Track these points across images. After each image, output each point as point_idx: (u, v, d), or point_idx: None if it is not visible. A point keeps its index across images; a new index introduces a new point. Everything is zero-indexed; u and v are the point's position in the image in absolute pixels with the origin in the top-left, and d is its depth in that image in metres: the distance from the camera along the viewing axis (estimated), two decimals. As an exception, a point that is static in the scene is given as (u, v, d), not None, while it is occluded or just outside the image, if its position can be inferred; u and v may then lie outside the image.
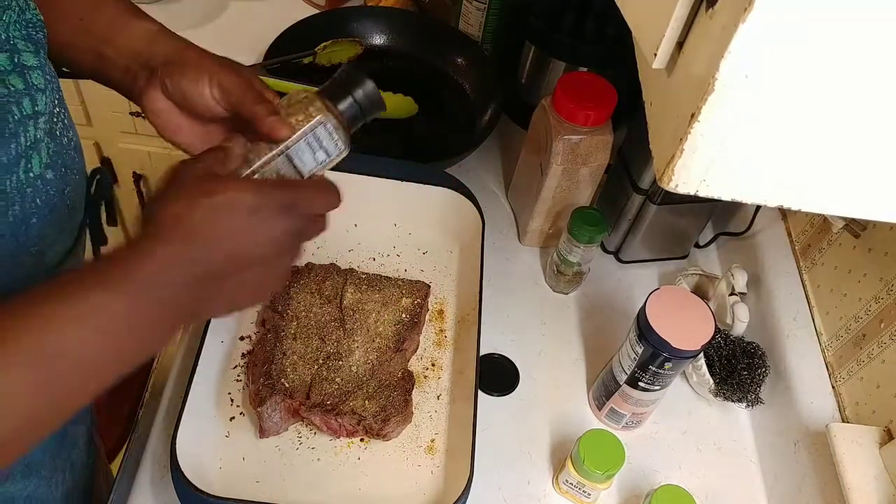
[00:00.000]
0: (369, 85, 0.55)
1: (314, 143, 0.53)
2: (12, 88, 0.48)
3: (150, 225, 0.44)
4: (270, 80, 0.94)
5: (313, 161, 0.54)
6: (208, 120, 0.56)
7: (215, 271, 0.45)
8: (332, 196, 0.51)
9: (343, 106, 0.54)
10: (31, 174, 0.51)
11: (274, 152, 0.52)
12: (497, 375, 0.82)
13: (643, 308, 0.70)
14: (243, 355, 0.78)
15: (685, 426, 0.83)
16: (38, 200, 0.52)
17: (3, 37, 0.48)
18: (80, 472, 0.72)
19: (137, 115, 1.19)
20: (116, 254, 0.43)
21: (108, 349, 0.42)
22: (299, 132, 0.52)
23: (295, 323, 0.77)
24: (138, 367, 0.45)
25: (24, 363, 0.39)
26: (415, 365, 0.80)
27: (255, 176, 0.52)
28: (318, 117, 0.52)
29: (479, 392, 0.72)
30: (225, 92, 0.53)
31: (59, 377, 0.40)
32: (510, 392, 0.81)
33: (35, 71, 0.51)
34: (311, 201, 0.49)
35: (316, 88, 0.55)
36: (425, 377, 0.79)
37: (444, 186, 0.88)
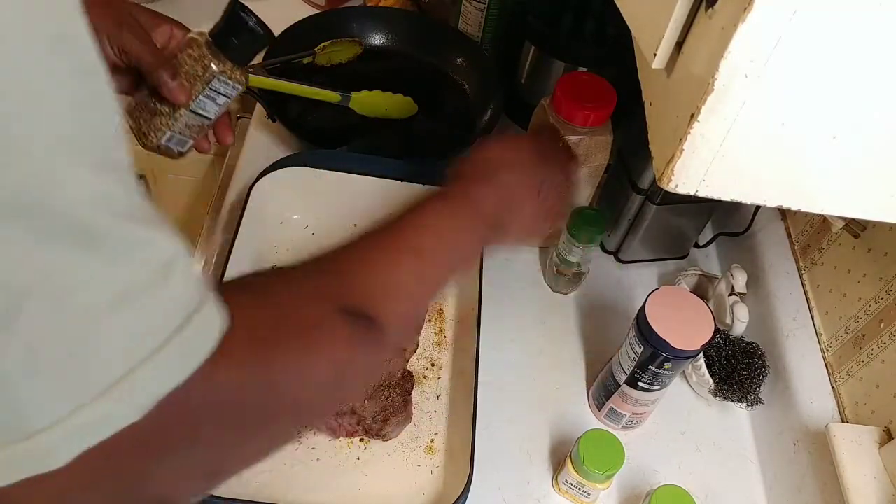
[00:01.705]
0: (252, 20, 0.62)
1: (213, 93, 0.63)
2: None
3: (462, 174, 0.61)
4: (270, 81, 0.94)
5: (216, 106, 0.64)
6: (113, 70, 0.60)
7: (508, 195, 0.61)
8: (574, 161, 0.72)
9: (233, 51, 0.62)
10: None
11: (180, 111, 0.62)
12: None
13: (643, 308, 0.70)
14: (243, 355, 0.78)
15: (685, 426, 0.83)
16: None
17: None
18: None
19: (137, 115, 1.19)
20: (445, 191, 0.60)
21: (455, 244, 0.57)
22: (198, 91, 0.61)
23: (294, 323, 0.77)
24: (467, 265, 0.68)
25: (411, 260, 0.52)
26: (414, 365, 0.80)
27: (168, 133, 0.63)
28: (211, 69, 0.61)
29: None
30: (125, 52, 0.59)
31: (432, 267, 0.54)
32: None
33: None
34: (572, 168, 0.71)
35: (206, 35, 0.63)
36: (425, 377, 0.79)
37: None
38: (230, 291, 0.37)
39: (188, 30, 0.64)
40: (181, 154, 0.68)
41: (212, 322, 0.33)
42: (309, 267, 0.47)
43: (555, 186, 0.66)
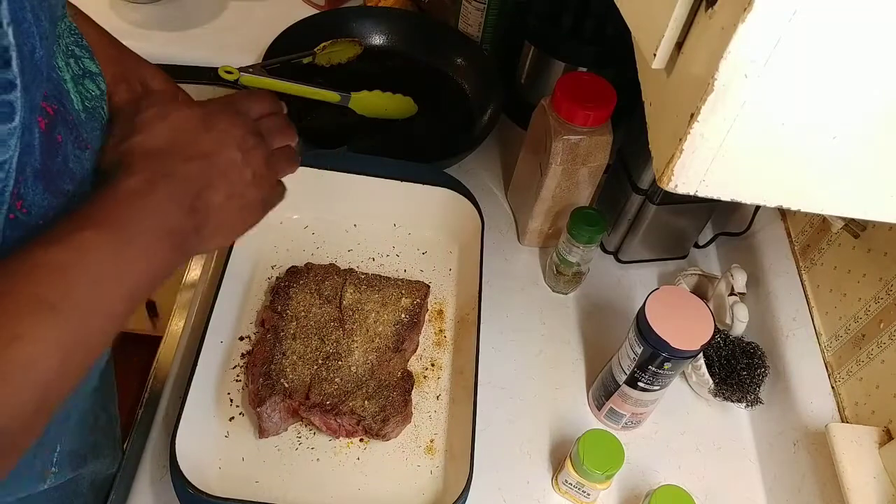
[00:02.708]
0: None
1: None
2: (93, 93, 0.50)
3: (120, 164, 0.46)
4: (270, 81, 0.94)
5: None
6: None
7: (192, 182, 0.47)
8: (265, 99, 0.57)
9: None
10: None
11: None
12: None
13: (642, 308, 0.70)
14: (243, 355, 0.78)
15: (684, 426, 0.83)
16: None
17: (62, 46, 0.48)
18: None
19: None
20: (95, 197, 0.44)
21: (110, 288, 0.41)
22: None
23: (294, 323, 0.77)
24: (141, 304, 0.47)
25: (35, 323, 0.37)
26: (414, 365, 0.80)
27: None
28: None
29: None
30: None
31: (76, 327, 0.39)
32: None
33: (99, 77, 0.52)
34: (246, 102, 0.55)
35: None
36: (425, 377, 0.79)
37: (443, 186, 0.88)
38: None
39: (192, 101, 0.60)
40: None
41: None
42: None
43: (255, 147, 0.52)
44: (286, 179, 0.59)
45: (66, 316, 0.38)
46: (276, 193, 0.56)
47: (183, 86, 1.07)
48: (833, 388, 0.78)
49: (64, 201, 0.45)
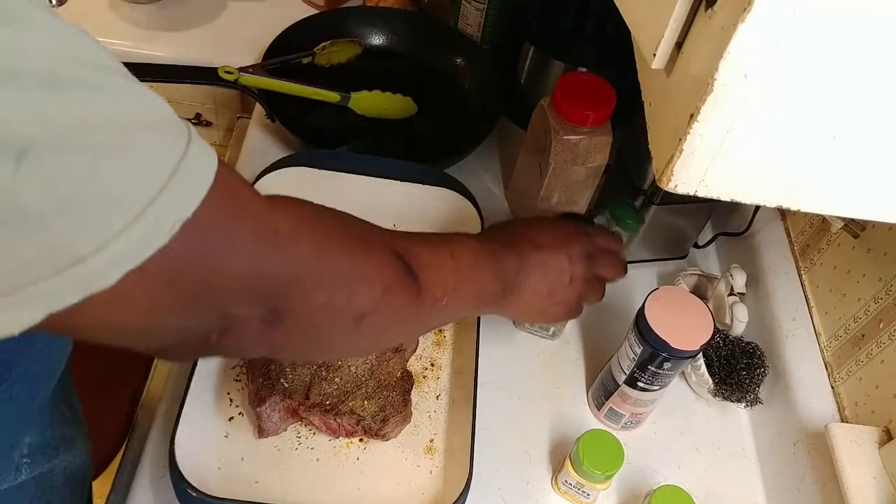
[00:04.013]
0: None
1: None
2: None
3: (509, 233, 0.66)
4: (270, 81, 0.94)
5: None
6: None
7: (533, 273, 0.63)
8: (613, 239, 0.72)
9: None
10: None
11: None
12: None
13: (642, 308, 0.70)
14: (242, 355, 0.78)
15: (684, 426, 0.83)
16: None
17: None
18: None
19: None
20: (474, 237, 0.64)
21: (473, 278, 0.59)
22: None
23: (294, 323, 0.77)
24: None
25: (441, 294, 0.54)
26: (414, 365, 0.80)
27: None
28: None
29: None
30: None
31: (461, 276, 0.57)
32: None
33: None
34: (597, 236, 0.70)
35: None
36: (424, 377, 0.79)
37: (443, 186, 0.88)
38: (289, 199, 0.43)
39: None
40: None
41: (206, 150, 0.35)
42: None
43: (588, 281, 0.67)
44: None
45: (459, 264, 0.57)
46: (586, 299, 0.69)
47: (183, 86, 1.07)
48: (833, 388, 0.78)
49: None
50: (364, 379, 0.75)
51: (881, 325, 0.73)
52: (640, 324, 0.70)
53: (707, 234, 0.99)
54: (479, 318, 0.78)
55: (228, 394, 0.75)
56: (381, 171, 0.88)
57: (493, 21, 1.08)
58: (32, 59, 0.28)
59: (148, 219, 0.31)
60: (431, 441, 0.75)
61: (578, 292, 0.67)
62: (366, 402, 0.73)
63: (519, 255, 0.62)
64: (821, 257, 0.85)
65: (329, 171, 0.87)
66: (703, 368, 0.81)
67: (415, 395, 0.77)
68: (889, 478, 0.67)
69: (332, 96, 0.96)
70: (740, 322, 0.84)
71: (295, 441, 0.73)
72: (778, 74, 0.36)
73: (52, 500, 0.68)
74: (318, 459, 0.72)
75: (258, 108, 1.02)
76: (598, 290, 0.69)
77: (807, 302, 0.85)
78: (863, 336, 0.75)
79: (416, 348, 0.81)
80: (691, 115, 0.38)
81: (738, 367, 0.81)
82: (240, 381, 0.76)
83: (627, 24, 0.46)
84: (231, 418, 0.73)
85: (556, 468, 0.77)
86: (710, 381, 0.81)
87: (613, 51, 0.96)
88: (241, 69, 0.94)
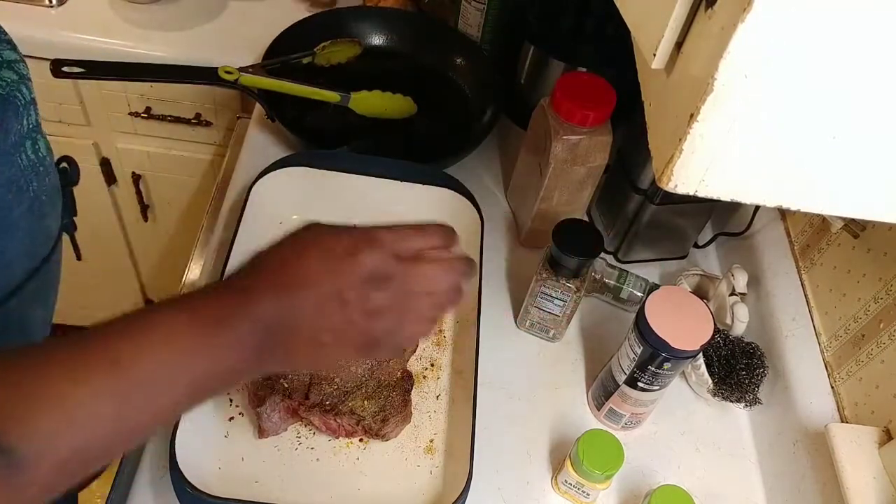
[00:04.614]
0: None
1: None
2: (9, 80, 0.53)
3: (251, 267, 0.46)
4: (270, 81, 0.94)
5: None
6: None
7: (305, 311, 0.45)
8: (432, 234, 0.50)
9: None
10: (40, 154, 0.57)
11: None
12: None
13: (642, 308, 0.70)
14: (242, 355, 0.78)
15: (684, 426, 0.83)
16: (46, 179, 0.58)
17: None
18: None
19: (136, 115, 1.19)
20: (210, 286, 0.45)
21: (178, 370, 0.41)
22: None
23: (294, 323, 0.77)
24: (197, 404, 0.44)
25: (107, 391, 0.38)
26: (414, 365, 0.80)
27: None
28: None
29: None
30: None
31: (134, 391, 0.40)
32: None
33: (19, 63, 0.55)
34: (403, 238, 0.49)
35: None
36: (424, 377, 0.79)
37: (443, 186, 0.88)
38: None
39: None
40: None
41: None
42: None
43: (364, 291, 0.46)
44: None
45: (127, 375, 0.39)
46: (404, 338, 0.50)
47: (183, 86, 1.07)
48: (833, 388, 0.78)
49: None
50: (364, 379, 0.75)
51: (881, 325, 0.73)
52: (641, 324, 0.70)
53: (707, 234, 0.99)
54: (479, 318, 0.78)
55: (228, 394, 0.75)
56: (381, 171, 0.88)
57: (493, 21, 1.08)
58: None
59: None
60: (431, 441, 0.75)
61: (375, 332, 0.47)
62: (366, 402, 0.73)
63: (276, 297, 0.44)
64: (821, 257, 0.85)
65: (329, 171, 0.87)
66: (703, 368, 0.81)
67: (415, 395, 0.77)
68: (889, 478, 0.67)
69: (332, 96, 0.96)
70: (741, 322, 0.84)
71: (295, 441, 0.73)
72: (778, 74, 0.36)
73: None
74: (318, 459, 0.72)
75: (258, 108, 1.02)
76: (414, 322, 0.49)
77: (807, 302, 0.85)
78: (863, 336, 0.75)
79: (416, 348, 0.81)
80: (691, 115, 0.38)
81: (737, 367, 0.81)
82: (240, 381, 0.76)
83: (627, 24, 0.46)
84: (231, 418, 0.73)
85: (556, 468, 0.77)
86: (710, 381, 0.81)
87: (613, 51, 0.96)
88: (241, 69, 0.94)
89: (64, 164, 0.66)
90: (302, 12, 1.10)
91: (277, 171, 0.86)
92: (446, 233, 0.52)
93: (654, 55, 0.42)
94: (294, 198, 0.88)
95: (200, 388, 0.43)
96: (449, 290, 0.50)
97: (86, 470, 0.39)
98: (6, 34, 0.56)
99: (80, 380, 0.37)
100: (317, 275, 0.46)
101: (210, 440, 0.71)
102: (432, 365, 0.81)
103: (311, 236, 0.48)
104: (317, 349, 0.46)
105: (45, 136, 0.59)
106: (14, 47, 0.57)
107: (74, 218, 0.68)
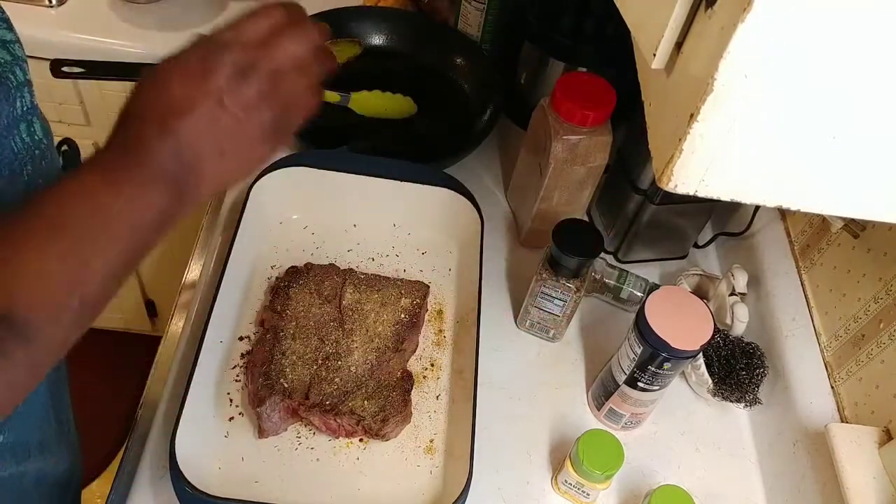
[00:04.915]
0: None
1: None
2: (2, 60, 0.53)
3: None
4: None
5: None
6: None
7: (198, 158, 0.46)
8: (268, 15, 0.50)
9: None
10: (36, 137, 0.56)
11: None
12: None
13: (642, 308, 0.70)
14: (242, 355, 0.78)
15: (684, 426, 0.83)
16: (43, 163, 0.57)
17: None
18: None
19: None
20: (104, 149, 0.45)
21: (115, 224, 0.43)
22: None
23: (294, 323, 0.77)
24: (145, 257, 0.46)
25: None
26: (414, 365, 0.80)
27: None
28: None
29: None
30: None
31: (84, 244, 0.42)
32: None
33: (14, 44, 0.55)
34: (240, 29, 0.49)
35: None
36: (424, 377, 0.79)
37: (443, 186, 0.88)
38: None
39: None
40: None
41: None
42: None
43: (270, 94, 0.48)
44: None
45: (66, 235, 0.42)
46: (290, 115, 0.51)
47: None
48: (833, 388, 0.78)
49: None
50: (364, 379, 0.75)
51: (881, 325, 0.73)
52: (641, 324, 0.70)
53: (707, 234, 0.99)
54: (479, 319, 0.78)
55: (228, 394, 0.75)
56: (381, 171, 0.88)
57: (493, 21, 1.08)
58: None
59: None
60: (431, 441, 0.75)
61: (266, 120, 0.48)
62: (366, 402, 0.73)
63: (163, 137, 0.45)
64: (821, 257, 0.85)
65: (329, 171, 0.87)
66: (703, 368, 0.81)
67: (415, 395, 0.77)
68: (889, 478, 0.67)
69: (332, 96, 0.96)
70: (741, 322, 0.84)
71: (295, 441, 0.73)
72: (778, 74, 0.36)
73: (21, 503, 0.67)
74: (318, 459, 0.72)
75: (258, 108, 1.02)
76: (298, 95, 0.51)
77: (807, 302, 0.85)
78: (863, 336, 0.75)
79: (415, 348, 0.81)
80: (691, 115, 0.38)
81: (737, 367, 0.81)
82: (240, 381, 0.76)
83: (627, 24, 0.46)
84: (231, 418, 0.73)
85: (556, 468, 0.77)
86: (710, 381, 0.81)
87: (613, 51, 0.96)
88: (241, 69, 0.93)
89: (65, 147, 0.66)
90: (302, 12, 1.10)
91: (277, 171, 0.86)
92: (284, 5, 0.52)
93: (654, 55, 0.42)
94: (294, 198, 0.88)
95: (140, 238, 0.45)
96: (313, 52, 0.52)
97: (83, 318, 0.42)
98: (4, 12, 0.55)
99: (41, 249, 0.41)
100: (186, 99, 0.46)
101: (210, 440, 0.71)
102: (432, 365, 0.81)
103: (162, 71, 0.47)
104: (223, 160, 0.47)
105: (43, 118, 0.58)
106: (11, 27, 0.55)
107: None
